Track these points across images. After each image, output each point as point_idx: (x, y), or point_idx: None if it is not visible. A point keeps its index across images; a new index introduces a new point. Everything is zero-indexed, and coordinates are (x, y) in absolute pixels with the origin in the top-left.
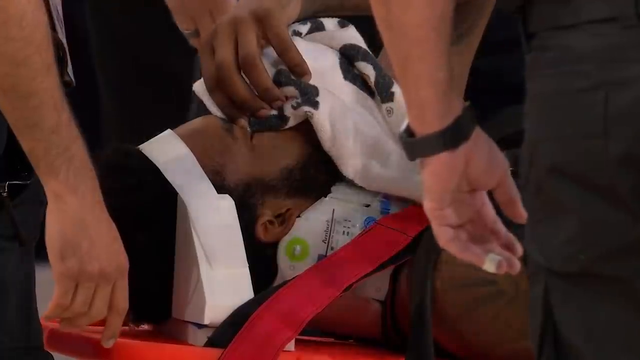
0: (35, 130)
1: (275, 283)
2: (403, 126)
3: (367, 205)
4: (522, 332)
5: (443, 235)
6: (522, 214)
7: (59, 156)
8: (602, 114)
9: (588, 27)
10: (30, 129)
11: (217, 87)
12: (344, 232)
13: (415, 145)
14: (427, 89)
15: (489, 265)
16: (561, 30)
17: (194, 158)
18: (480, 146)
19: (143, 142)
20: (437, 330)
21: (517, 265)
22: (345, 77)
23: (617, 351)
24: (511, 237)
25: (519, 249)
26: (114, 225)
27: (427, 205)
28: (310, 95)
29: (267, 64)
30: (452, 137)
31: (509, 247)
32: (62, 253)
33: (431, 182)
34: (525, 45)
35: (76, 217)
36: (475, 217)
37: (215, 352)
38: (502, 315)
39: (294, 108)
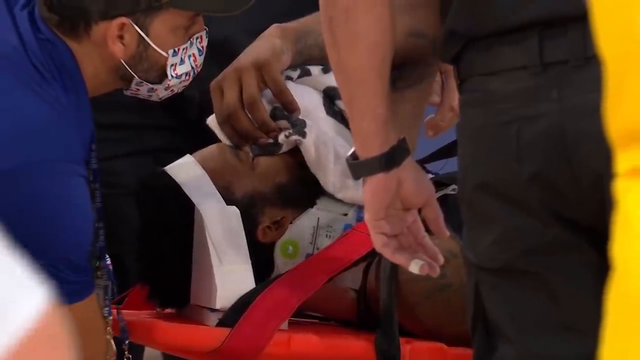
0: None
1: (272, 276)
2: (350, 152)
3: (345, 214)
4: (466, 316)
5: (378, 241)
6: (444, 231)
7: None
8: (516, 143)
9: (505, 73)
10: None
11: (226, 121)
12: (326, 235)
13: (358, 167)
14: (368, 122)
15: (414, 267)
16: (485, 76)
17: (208, 177)
18: (411, 172)
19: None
20: (400, 313)
21: (437, 270)
22: (328, 113)
23: (534, 329)
24: (435, 249)
25: (441, 258)
26: None
27: (366, 216)
28: (299, 127)
29: (265, 103)
30: (387, 162)
31: (433, 257)
32: None
33: (370, 197)
34: (458, 88)
35: None
36: (406, 231)
37: (224, 331)
38: (451, 302)
39: (287, 137)
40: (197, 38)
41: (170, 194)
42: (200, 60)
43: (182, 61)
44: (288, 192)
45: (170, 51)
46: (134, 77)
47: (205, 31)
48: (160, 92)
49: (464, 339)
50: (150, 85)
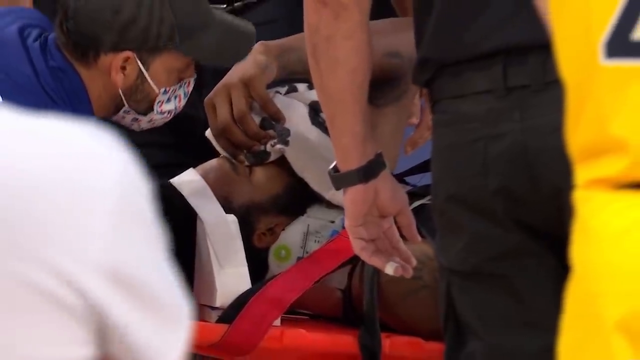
0: None
1: (267, 277)
2: (332, 165)
3: (332, 222)
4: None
5: (356, 245)
6: (416, 236)
7: None
8: (482, 159)
9: (473, 96)
10: None
11: (221, 135)
12: (315, 240)
13: (339, 178)
14: (348, 138)
15: (389, 269)
16: (455, 99)
17: (209, 188)
18: (387, 182)
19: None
20: (382, 311)
21: (410, 272)
22: (312, 123)
23: (499, 327)
24: (409, 253)
25: (413, 261)
26: None
27: (346, 223)
28: (284, 136)
29: (254, 115)
30: (365, 174)
31: (406, 260)
32: None
33: (349, 206)
34: (431, 110)
35: None
36: (383, 237)
37: (223, 327)
38: (427, 302)
39: (272, 146)
40: (185, 82)
41: (175, 203)
42: (183, 101)
43: (168, 100)
44: (282, 202)
45: (162, 89)
46: (124, 105)
47: (193, 78)
48: (143, 124)
49: (439, 334)
50: (136, 116)
